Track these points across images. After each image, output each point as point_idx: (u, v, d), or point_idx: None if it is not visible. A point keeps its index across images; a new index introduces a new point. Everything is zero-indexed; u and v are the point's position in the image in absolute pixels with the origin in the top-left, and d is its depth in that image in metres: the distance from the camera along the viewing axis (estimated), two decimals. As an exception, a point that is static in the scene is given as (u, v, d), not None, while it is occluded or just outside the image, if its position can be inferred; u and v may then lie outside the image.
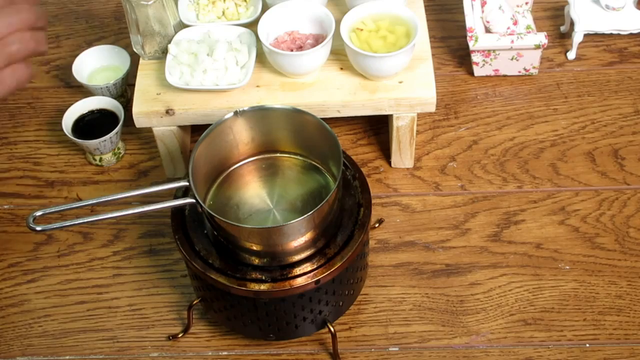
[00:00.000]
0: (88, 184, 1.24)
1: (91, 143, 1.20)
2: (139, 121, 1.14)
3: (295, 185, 1.01)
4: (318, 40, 1.14)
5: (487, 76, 1.33)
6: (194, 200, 0.92)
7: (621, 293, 1.08)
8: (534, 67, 1.31)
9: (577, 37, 1.33)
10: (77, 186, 1.24)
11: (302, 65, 1.11)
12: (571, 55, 1.35)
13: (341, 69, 1.15)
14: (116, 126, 1.21)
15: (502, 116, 1.28)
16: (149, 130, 1.19)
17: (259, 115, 0.99)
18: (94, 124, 1.24)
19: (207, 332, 1.07)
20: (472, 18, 1.29)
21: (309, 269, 0.93)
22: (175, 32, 1.17)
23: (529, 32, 1.28)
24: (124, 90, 1.30)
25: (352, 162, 1.02)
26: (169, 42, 1.16)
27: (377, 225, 1.16)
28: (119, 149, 1.25)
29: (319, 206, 0.89)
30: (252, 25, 1.17)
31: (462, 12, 1.30)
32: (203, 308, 1.05)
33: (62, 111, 1.25)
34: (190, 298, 1.09)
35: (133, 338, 1.07)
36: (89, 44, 1.43)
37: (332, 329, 1.00)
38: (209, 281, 0.94)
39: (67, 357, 1.06)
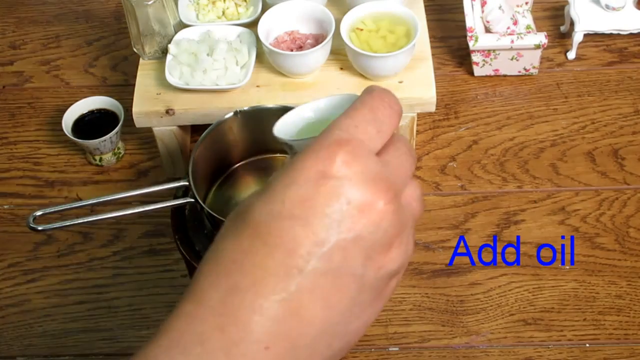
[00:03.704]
0: (88, 184, 1.24)
1: (91, 143, 1.20)
2: (139, 121, 1.14)
3: (295, 185, 1.01)
4: (318, 40, 1.14)
5: (487, 76, 1.33)
6: (193, 200, 0.92)
7: (621, 293, 1.08)
8: (534, 67, 1.31)
9: (577, 37, 1.33)
10: (77, 186, 1.24)
11: (302, 65, 1.11)
12: (571, 55, 1.35)
13: (341, 69, 1.15)
14: (116, 126, 1.21)
15: (502, 116, 1.28)
16: (149, 130, 1.19)
17: (259, 115, 0.99)
18: (94, 124, 1.24)
19: (207, 332, 1.07)
20: (472, 18, 1.29)
21: (309, 269, 0.93)
22: (175, 32, 1.17)
23: (529, 32, 1.28)
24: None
25: (352, 162, 1.02)
26: (169, 42, 1.16)
27: (377, 225, 1.16)
28: (119, 149, 1.25)
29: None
30: (252, 25, 1.17)
31: (462, 12, 1.30)
32: (203, 308, 1.05)
33: (62, 111, 1.25)
34: (190, 298, 1.09)
35: (133, 338, 1.07)
36: (89, 44, 1.43)
37: (332, 329, 1.00)
38: (209, 281, 0.94)
39: (67, 357, 1.06)
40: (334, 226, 0.42)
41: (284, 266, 0.42)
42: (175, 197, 0.99)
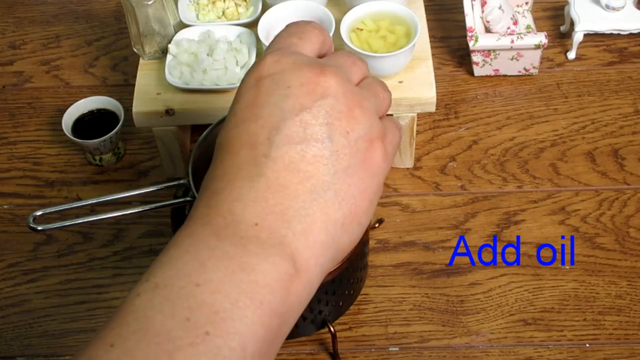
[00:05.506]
0: (88, 184, 1.24)
1: (91, 143, 1.20)
2: (139, 121, 1.14)
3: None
4: (318, 40, 1.14)
5: (487, 76, 1.33)
6: (193, 200, 0.92)
7: (621, 293, 1.08)
8: (534, 67, 1.31)
9: (577, 37, 1.33)
10: (77, 186, 1.24)
11: (302, 65, 1.11)
12: (571, 55, 1.35)
13: (341, 69, 1.15)
14: (116, 126, 1.21)
15: (502, 116, 1.28)
16: (149, 130, 1.19)
17: (259, 115, 0.99)
18: (94, 124, 1.24)
19: (207, 332, 1.07)
20: (472, 18, 1.29)
21: (309, 269, 0.93)
22: (175, 32, 1.17)
23: (529, 32, 1.28)
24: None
25: (352, 162, 1.02)
26: (169, 42, 1.16)
27: (377, 225, 1.16)
28: (119, 149, 1.25)
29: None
30: (252, 25, 1.17)
31: (462, 12, 1.30)
32: (203, 308, 1.05)
33: (62, 111, 1.25)
34: (190, 298, 1.09)
35: (133, 338, 1.07)
36: (89, 44, 1.43)
37: (332, 329, 1.00)
38: (209, 281, 0.94)
39: (67, 357, 1.06)
40: (282, 108, 0.46)
41: (252, 158, 0.45)
42: (175, 197, 0.99)
